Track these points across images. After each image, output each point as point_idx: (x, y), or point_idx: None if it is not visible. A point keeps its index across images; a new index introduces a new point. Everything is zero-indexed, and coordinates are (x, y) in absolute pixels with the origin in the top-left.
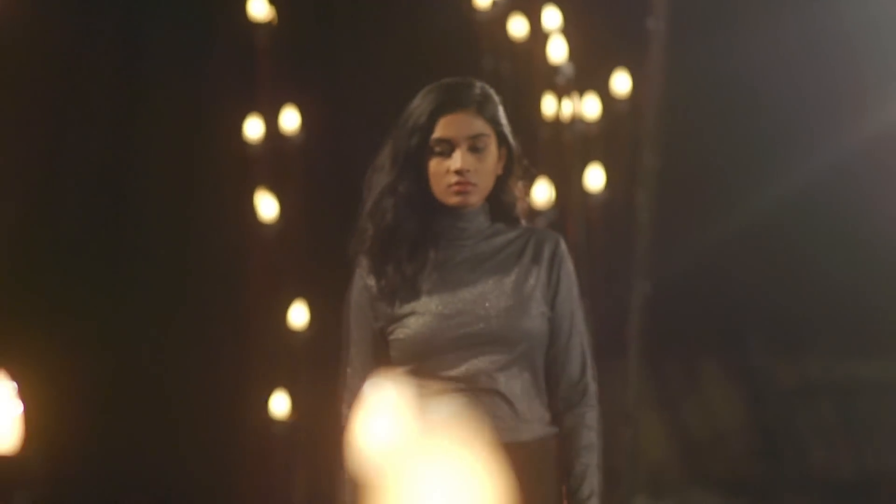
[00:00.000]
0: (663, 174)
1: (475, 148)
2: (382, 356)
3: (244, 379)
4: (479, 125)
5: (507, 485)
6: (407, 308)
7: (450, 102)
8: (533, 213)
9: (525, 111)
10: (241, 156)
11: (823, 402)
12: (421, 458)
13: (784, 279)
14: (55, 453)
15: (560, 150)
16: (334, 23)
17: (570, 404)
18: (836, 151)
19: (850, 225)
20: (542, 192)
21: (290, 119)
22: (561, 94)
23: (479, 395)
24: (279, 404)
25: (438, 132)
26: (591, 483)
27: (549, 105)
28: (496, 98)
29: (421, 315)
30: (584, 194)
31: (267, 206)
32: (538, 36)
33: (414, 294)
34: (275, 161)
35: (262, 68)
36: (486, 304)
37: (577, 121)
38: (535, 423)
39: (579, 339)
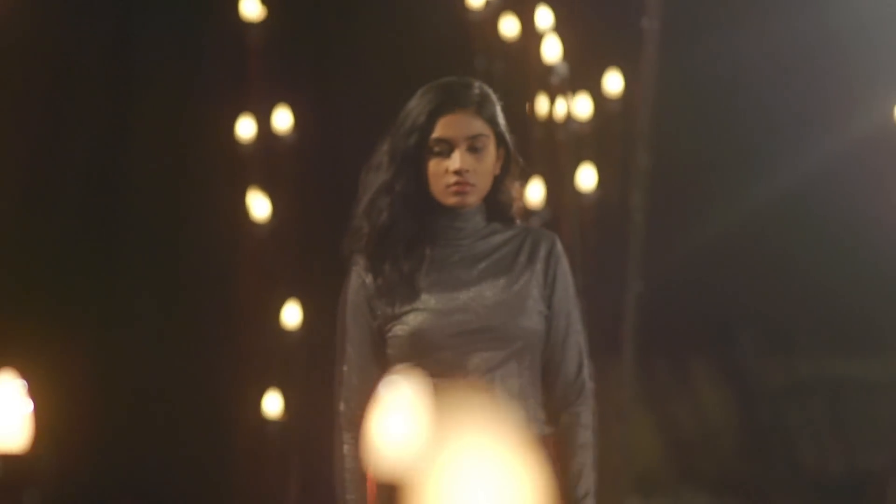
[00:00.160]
0: (654, 174)
1: (474, 148)
2: (380, 354)
3: (237, 378)
4: (479, 125)
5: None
6: (405, 306)
7: (449, 102)
8: (527, 212)
9: (517, 111)
10: (234, 155)
11: (813, 401)
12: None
13: (774, 278)
14: (62, 452)
15: (553, 149)
16: (327, 22)
17: (567, 403)
18: (827, 151)
19: (839, 225)
20: (536, 192)
21: (282, 118)
22: (554, 93)
23: (476, 392)
24: (272, 404)
25: (438, 132)
26: (587, 482)
27: (541, 105)
28: (494, 98)
29: (419, 313)
30: (577, 194)
31: (259, 205)
32: (531, 35)
33: (412, 292)
34: (267, 160)
35: (255, 68)
36: (484, 303)
37: (569, 120)
38: (532, 421)
39: (576, 338)
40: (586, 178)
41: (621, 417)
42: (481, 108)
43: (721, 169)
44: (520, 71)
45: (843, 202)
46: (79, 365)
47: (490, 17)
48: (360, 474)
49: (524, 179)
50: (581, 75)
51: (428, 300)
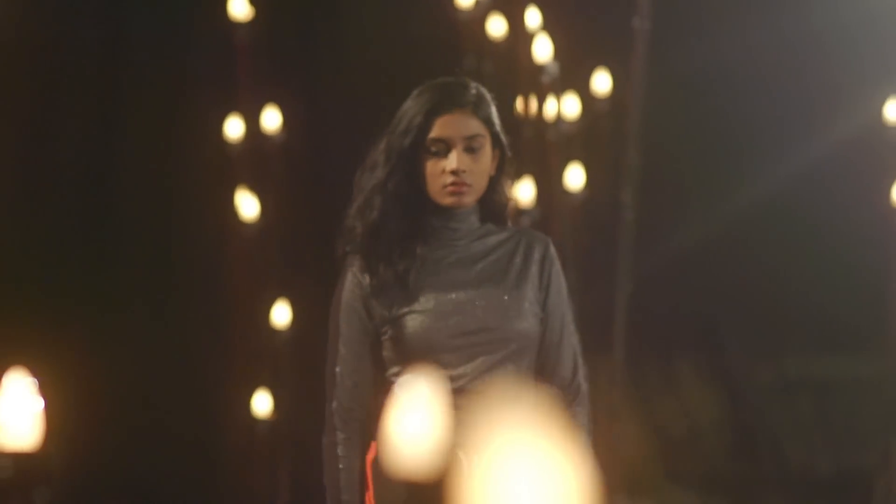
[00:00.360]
0: (643, 173)
1: (471, 148)
2: (375, 355)
3: (227, 378)
4: (475, 125)
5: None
6: (402, 308)
7: (446, 102)
8: (517, 212)
9: (506, 110)
10: (223, 155)
11: (800, 399)
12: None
13: (761, 278)
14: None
15: (543, 148)
16: (315, 22)
17: (563, 405)
18: (815, 152)
19: (826, 225)
20: (526, 192)
21: (270, 118)
22: (544, 93)
23: (473, 394)
24: (262, 403)
25: (435, 132)
26: None
27: (531, 104)
28: (489, 98)
29: (417, 315)
30: (566, 193)
31: (248, 205)
32: (520, 35)
33: (408, 294)
34: (256, 160)
35: (243, 68)
36: (482, 305)
37: (559, 120)
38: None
39: (570, 340)
40: (575, 177)
41: (612, 417)
42: (478, 108)
43: (709, 169)
44: (509, 70)
45: (830, 203)
46: (87, 363)
47: (479, 16)
48: (355, 474)
49: (515, 179)
50: (571, 75)
51: (426, 302)
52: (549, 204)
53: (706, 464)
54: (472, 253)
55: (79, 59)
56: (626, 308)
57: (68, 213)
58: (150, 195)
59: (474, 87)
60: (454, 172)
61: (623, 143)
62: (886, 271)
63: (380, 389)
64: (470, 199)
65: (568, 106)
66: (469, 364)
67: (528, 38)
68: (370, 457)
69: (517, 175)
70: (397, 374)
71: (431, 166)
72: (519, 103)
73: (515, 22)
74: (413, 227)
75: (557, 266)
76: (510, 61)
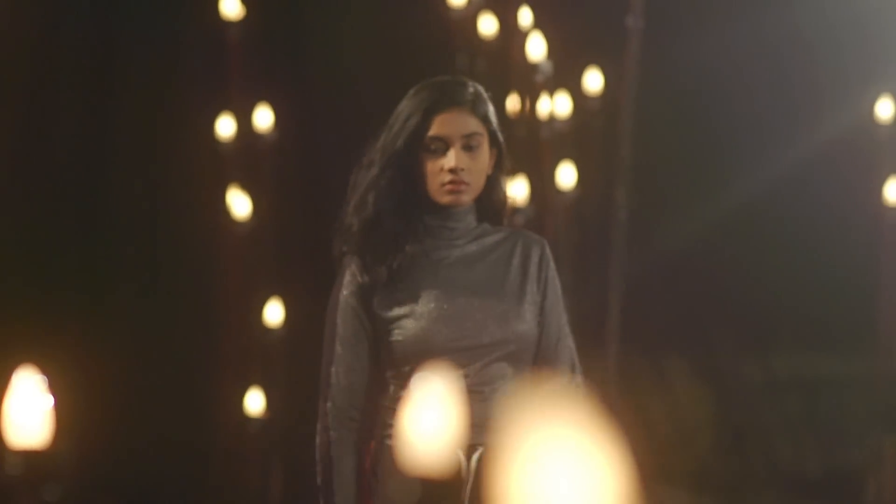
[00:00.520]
0: (635, 172)
1: (469, 146)
2: (372, 355)
3: (219, 377)
4: (474, 124)
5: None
6: (402, 309)
7: (445, 100)
8: (512, 211)
9: (499, 108)
10: (214, 154)
11: (790, 398)
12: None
13: (751, 277)
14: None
15: (536, 147)
16: (307, 20)
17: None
18: (807, 150)
19: (816, 223)
20: (519, 190)
21: (262, 117)
22: (538, 91)
23: (472, 395)
24: (254, 402)
25: (434, 130)
26: None
27: (525, 102)
28: (486, 97)
29: (417, 317)
30: (559, 192)
31: (240, 204)
32: (513, 34)
33: (408, 295)
34: (247, 159)
35: (235, 66)
36: (482, 307)
37: (552, 118)
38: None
39: (566, 342)
40: (567, 176)
41: (609, 416)
42: (475, 106)
43: (701, 168)
44: (501, 69)
45: (820, 202)
46: (89, 360)
47: (471, 15)
48: (349, 473)
49: (511, 177)
50: (564, 73)
51: (425, 304)
52: (542, 202)
53: (696, 462)
54: (469, 253)
55: (70, 58)
56: (619, 306)
57: (59, 213)
58: (141, 194)
59: (472, 86)
60: (453, 171)
61: (616, 142)
62: (877, 270)
63: (378, 390)
64: (468, 197)
65: (560, 104)
66: (469, 366)
67: (520, 36)
68: (369, 460)
69: (513, 174)
70: (396, 376)
71: (430, 165)
72: (511, 102)
73: (508, 20)
74: (411, 226)
75: (553, 267)
76: (502, 60)
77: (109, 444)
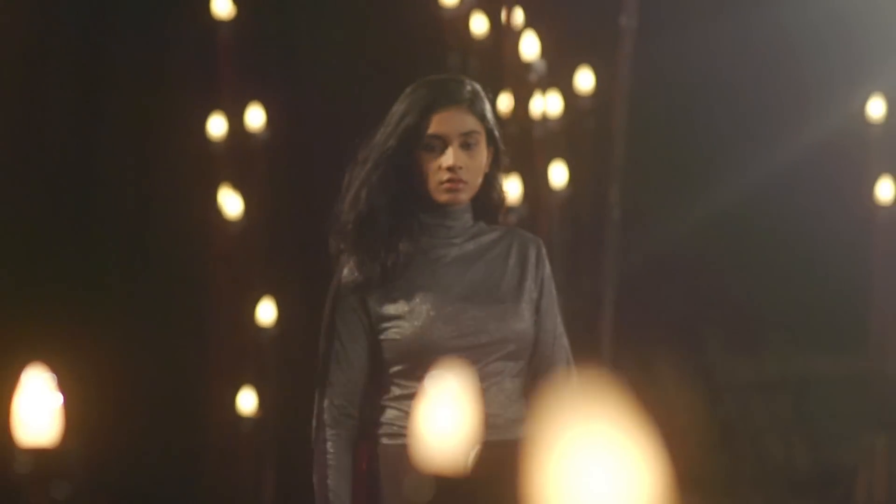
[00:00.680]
0: (627, 171)
1: (467, 144)
2: (370, 352)
3: (212, 376)
4: (472, 122)
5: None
6: (400, 307)
7: (443, 98)
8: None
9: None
10: (205, 153)
11: (780, 397)
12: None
13: (742, 275)
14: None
15: (528, 146)
16: (298, 20)
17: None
18: (799, 150)
19: (808, 222)
20: (512, 189)
21: (254, 116)
22: (530, 90)
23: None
24: (247, 401)
25: (432, 128)
26: None
27: (517, 101)
28: (484, 95)
29: (416, 316)
30: (551, 191)
31: (231, 203)
32: (505, 33)
33: (405, 293)
34: (239, 158)
35: (226, 65)
36: (480, 306)
37: (545, 117)
38: (520, 422)
39: (562, 341)
40: (560, 175)
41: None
42: (473, 104)
43: (693, 167)
44: (495, 68)
45: (812, 201)
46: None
47: (464, 14)
48: (346, 471)
49: (507, 176)
50: (556, 72)
51: (424, 303)
52: (534, 201)
53: (686, 461)
54: (467, 252)
55: (61, 57)
56: (612, 305)
57: (48, 211)
58: (133, 194)
59: (470, 84)
60: (450, 169)
61: (608, 141)
62: (867, 269)
63: (375, 388)
64: (466, 195)
65: (553, 103)
66: (468, 365)
67: (512, 35)
68: (364, 459)
69: (508, 173)
70: (395, 375)
71: (427, 163)
72: (504, 101)
73: (500, 19)
74: (402, 222)
75: (549, 267)
76: (495, 59)
77: (106, 443)
